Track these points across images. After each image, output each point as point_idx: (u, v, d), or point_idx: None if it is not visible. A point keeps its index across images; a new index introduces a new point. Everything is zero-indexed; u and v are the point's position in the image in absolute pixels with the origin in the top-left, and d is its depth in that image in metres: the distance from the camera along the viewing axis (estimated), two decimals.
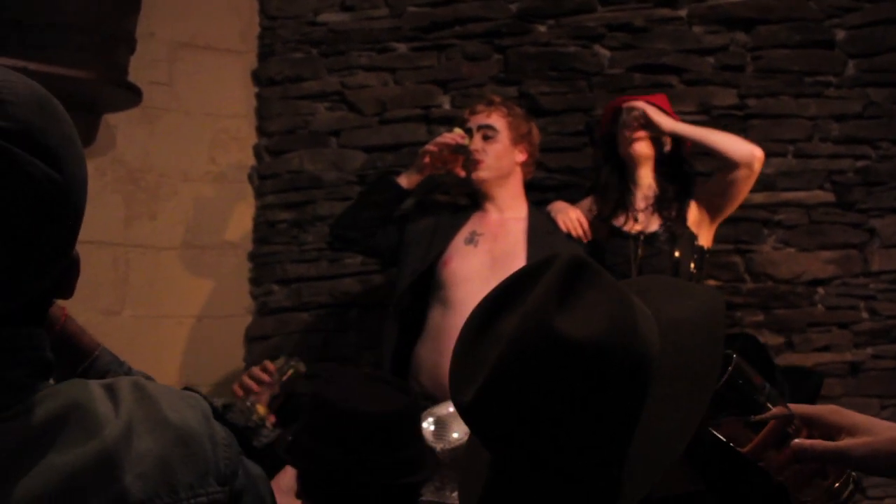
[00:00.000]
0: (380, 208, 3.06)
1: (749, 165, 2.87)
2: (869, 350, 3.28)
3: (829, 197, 3.34)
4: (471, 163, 2.97)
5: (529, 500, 0.99)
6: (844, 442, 0.97)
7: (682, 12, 3.38)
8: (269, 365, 2.41)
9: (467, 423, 1.00)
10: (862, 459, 0.96)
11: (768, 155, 3.29)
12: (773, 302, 3.26)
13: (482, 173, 2.98)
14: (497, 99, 3.10)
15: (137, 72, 3.19)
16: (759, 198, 3.26)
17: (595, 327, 0.93)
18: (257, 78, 3.67)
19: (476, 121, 3.00)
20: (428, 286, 3.01)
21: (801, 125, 3.35)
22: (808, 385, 1.65)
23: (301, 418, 1.69)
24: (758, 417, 1.00)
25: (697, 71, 3.37)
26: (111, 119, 3.32)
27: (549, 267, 0.97)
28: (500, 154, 2.99)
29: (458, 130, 3.01)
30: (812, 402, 1.32)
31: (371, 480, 1.57)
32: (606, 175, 3.10)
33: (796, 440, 0.99)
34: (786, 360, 3.16)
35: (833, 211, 3.33)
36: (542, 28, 3.43)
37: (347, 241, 3.16)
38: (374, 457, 1.58)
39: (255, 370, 2.41)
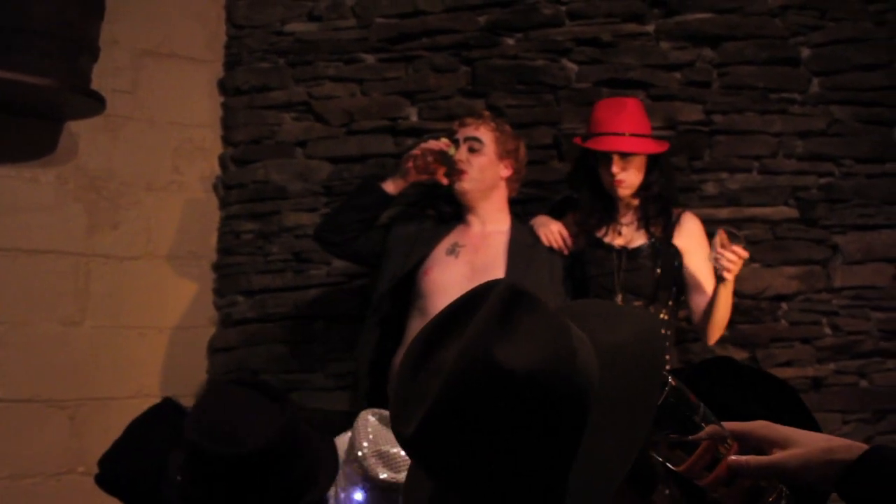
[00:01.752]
0: (364, 212, 3.09)
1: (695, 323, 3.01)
2: (831, 365, 3.30)
3: (792, 213, 3.36)
4: (454, 172, 3.00)
5: None
6: (777, 456, 0.99)
7: (650, 28, 3.39)
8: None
9: (409, 454, 1.01)
10: (795, 471, 0.98)
11: (734, 171, 3.40)
12: (738, 317, 3.25)
13: (465, 184, 3.02)
14: (486, 113, 3.14)
15: (101, 79, 3.18)
16: (725, 213, 3.29)
17: (534, 357, 0.94)
18: (223, 87, 3.68)
19: (464, 133, 3.04)
20: (408, 294, 3.04)
21: (766, 141, 3.38)
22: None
23: (182, 462, 1.69)
24: (692, 437, 1.02)
25: (664, 86, 3.38)
26: (74, 127, 3.31)
27: (488, 296, 0.97)
28: (485, 167, 3.02)
29: (444, 139, 3.04)
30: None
31: None
32: (588, 194, 3.09)
33: (731, 457, 1.01)
34: None
35: (797, 227, 3.36)
36: (511, 41, 3.44)
37: (331, 244, 3.19)
38: (257, 492, 1.57)
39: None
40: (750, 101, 3.37)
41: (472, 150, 3.00)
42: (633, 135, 2.95)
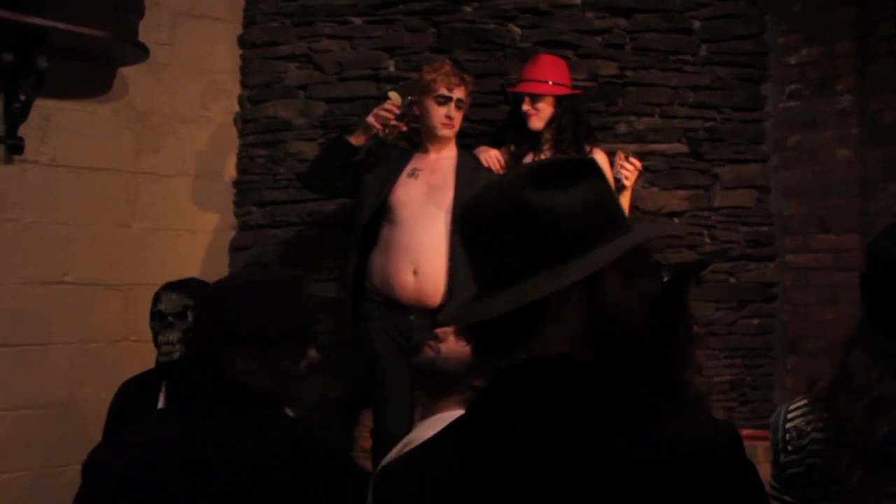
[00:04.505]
0: (337, 161, 3.33)
1: None
2: (709, 266, 3.70)
3: (684, 149, 3.75)
4: (409, 114, 3.31)
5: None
6: None
7: (578, 0, 3.71)
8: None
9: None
10: None
11: (640, 115, 3.73)
12: None
13: (451, 132, 3.34)
14: (468, 77, 3.36)
15: (145, 34, 3.43)
16: (633, 147, 3.60)
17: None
18: (242, 42, 3.92)
19: (456, 93, 3.28)
20: (382, 209, 3.33)
21: (665, 92, 3.76)
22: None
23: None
24: None
25: (588, 47, 3.71)
26: (124, 71, 3.58)
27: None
28: (462, 117, 3.36)
29: (392, 96, 3.30)
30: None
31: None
32: (517, 128, 3.45)
33: None
34: None
35: (687, 160, 3.76)
36: (469, 9, 3.72)
37: (315, 188, 3.50)
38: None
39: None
40: (654, 61, 3.74)
41: (458, 108, 3.30)
42: (538, 81, 3.34)
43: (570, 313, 1.02)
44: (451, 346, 2.19)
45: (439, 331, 2.25)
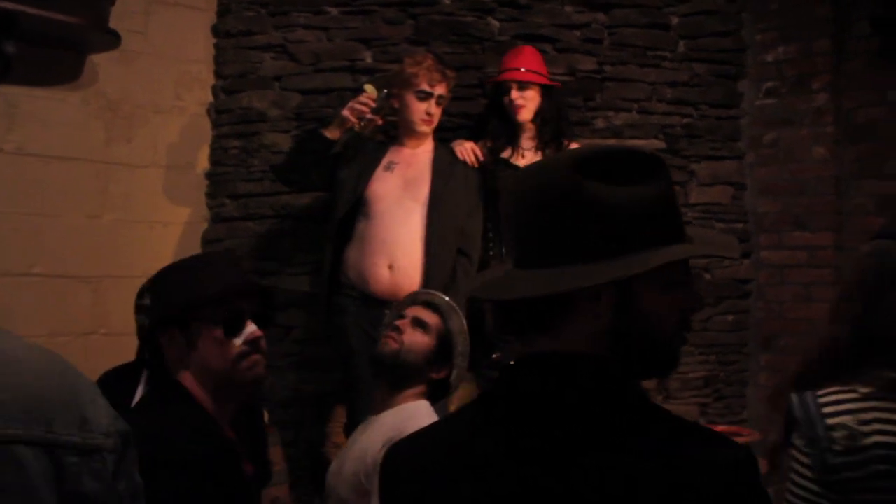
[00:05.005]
0: (312, 155, 3.31)
1: None
2: None
3: (661, 144, 3.80)
4: (386, 107, 3.29)
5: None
6: None
7: None
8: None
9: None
10: None
11: (618, 110, 3.77)
12: None
13: (429, 129, 3.34)
14: (451, 73, 3.34)
15: (118, 20, 3.27)
16: (610, 143, 3.62)
17: None
18: (216, 31, 3.89)
19: (437, 90, 3.27)
20: (357, 203, 3.32)
21: (643, 88, 3.80)
22: None
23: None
24: None
25: (567, 41, 3.75)
26: (95, 58, 3.49)
27: None
28: (442, 112, 3.35)
29: (368, 89, 3.26)
30: None
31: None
32: (496, 122, 3.45)
33: None
34: None
35: (664, 155, 3.67)
36: (447, 1, 3.73)
37: (290, 182, 3.49)
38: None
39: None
40: (632, 56, 3.78)
41: (439, 104, 3.29)
42: (527, 70, 3.34)
43: (596, 311, 0.99)
44: (412, 338, 2.21)
45: (398, 322, 2.27)
